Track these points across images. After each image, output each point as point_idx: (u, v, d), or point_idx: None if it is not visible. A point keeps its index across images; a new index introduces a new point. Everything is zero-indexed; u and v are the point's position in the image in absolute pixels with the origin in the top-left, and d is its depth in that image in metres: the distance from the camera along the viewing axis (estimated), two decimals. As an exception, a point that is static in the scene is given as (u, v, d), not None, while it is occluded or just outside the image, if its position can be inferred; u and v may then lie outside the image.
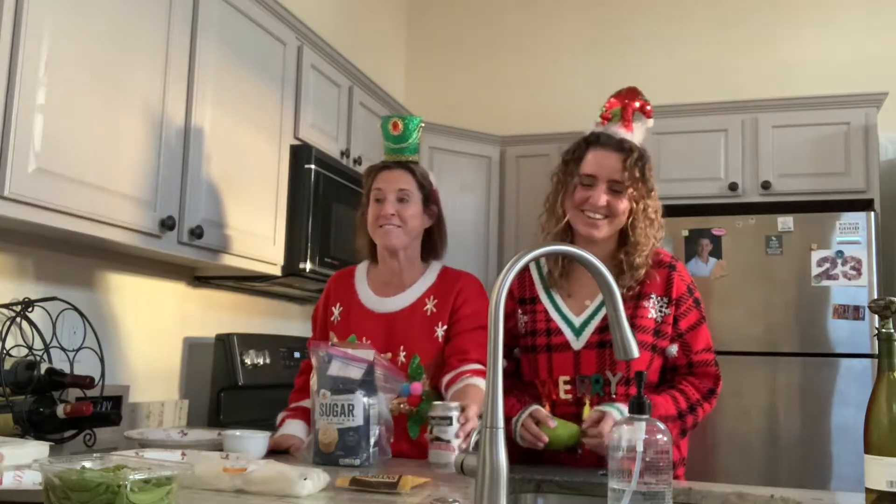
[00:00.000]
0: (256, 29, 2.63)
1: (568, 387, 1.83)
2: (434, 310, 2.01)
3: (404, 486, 1.40)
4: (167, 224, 2.17)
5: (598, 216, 1.81)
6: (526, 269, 1.93)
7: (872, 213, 3.27)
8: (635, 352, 1.29)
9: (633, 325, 1.75)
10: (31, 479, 1.27)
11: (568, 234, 1.88)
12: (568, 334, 1.84)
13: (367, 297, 2.06)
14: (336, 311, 2.07)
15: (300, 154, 2.81)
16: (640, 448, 1.12)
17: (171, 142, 2.22)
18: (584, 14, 4.47)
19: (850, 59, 3.93)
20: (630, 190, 1.80)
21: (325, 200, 2.86)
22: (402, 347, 1.98)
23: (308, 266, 2.76)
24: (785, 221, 3.35)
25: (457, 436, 1.69)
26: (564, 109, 4.33)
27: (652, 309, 1.82)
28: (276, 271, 2.73)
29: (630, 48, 4.34)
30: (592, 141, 1.85)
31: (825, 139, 3.45)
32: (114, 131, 2.01)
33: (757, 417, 3.27)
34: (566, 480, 1.65)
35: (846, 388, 3.18)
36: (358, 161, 3.28)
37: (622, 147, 1.81)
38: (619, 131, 1.83)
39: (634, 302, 1.82)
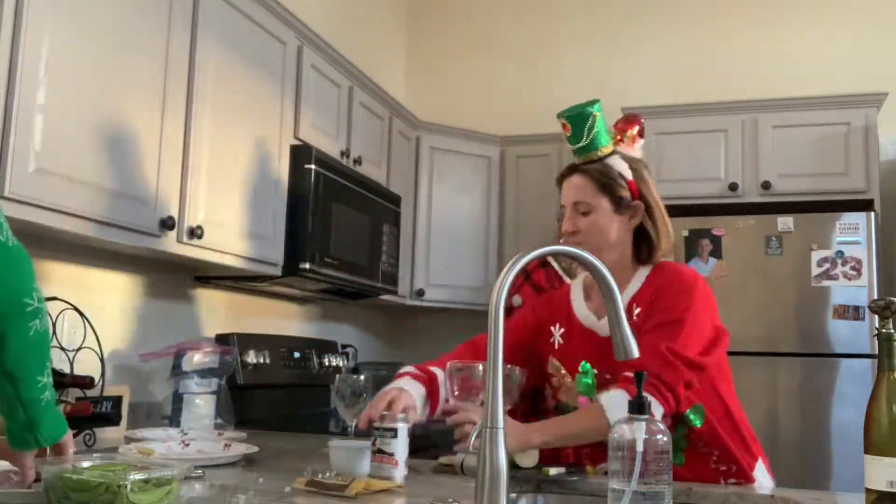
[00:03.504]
0: (256, 29, 2.63)
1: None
2: (637, 320, 1.72)
3: (352, 489, 1.41)
4: (167, 224, 2.17)
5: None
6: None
7: (872, 213, 3.27)
8: (635, 352, 1.29)
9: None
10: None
11: None
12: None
13: (583, 313, 1.83)
14: (557, 333, 1.84)
15: (300, 154, 2.81)
16: (640, 448, 1.12)
17: (171, 142, 2.22)
18: (584, 14, 4.47)
19: (850, 59, 3.94)
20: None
21: (325, 200, 2.86)
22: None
23: (308, 266, 2.76)
24: (785, 221, 3.35)
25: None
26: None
27: None
28: (276, 271, 2.73)
29: (630, 48, 4.34)
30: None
31: (825, 139, 3.45)
32: (114, 131, 2.01)
33: (757, 417, 3.26)
34: (566, 480, 1.65)
35: (846, 388, 3.18)
36: (358, 161, 3.28)
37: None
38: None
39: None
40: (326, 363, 3.41)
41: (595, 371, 1.74)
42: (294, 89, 2.86)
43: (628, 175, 1.77)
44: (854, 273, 3.23)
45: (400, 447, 1.59)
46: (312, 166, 2.80)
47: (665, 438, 1.15)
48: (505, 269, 1.22)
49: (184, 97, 2.28)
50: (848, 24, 3.99)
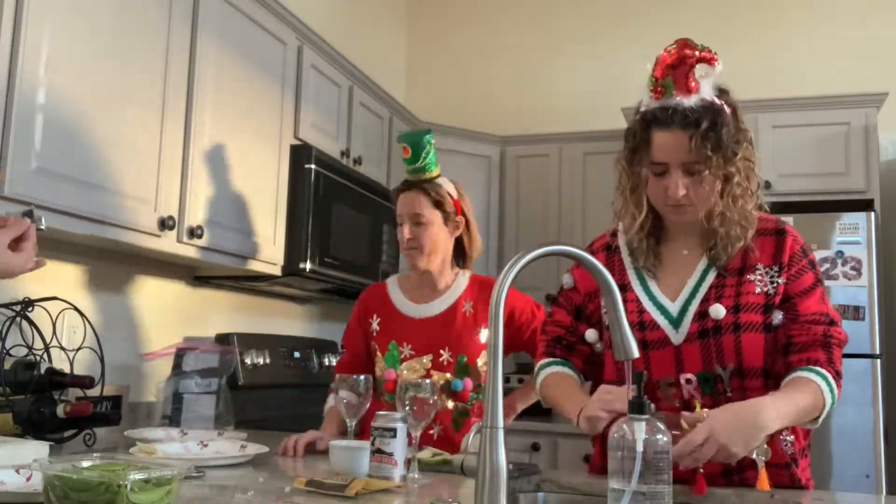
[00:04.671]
0: (256, 29, 2.63)
1: (673, 390, 1.56)
2: (472, 311, 2.14)
3: (351, 489, 1.41)
4: (167, 224, 2.17)
5: (682, 203, 1.56)
6: (616, 251, 1.71)
7: (872, 213, 3.26)
8: (635, 352, 1.28)
9: (738, 305, 1.54)
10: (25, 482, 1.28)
11: (649, 221, 1.64)
12: (665, 327, 1.57)
13: (404, 304, 2.18)
14: (374, 322, 2.18)
15: (300, 154, 2.81)
16: (640, 448, 1.12)
17: (171, 141, 2.22)
18: (584, 14, 4.47)
19: (850, 59, 3.93)
20: (707, 169, 1.52)
21: (325, 200, 2.86)
22: (446, 348, 2.10)
23: (308, 266, 2.76)
24: (785, 221, 3.34)
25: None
26: (564, 109, 4.33)
27: (759, 283, 1.57)
28: (276, 271, 2.73)
29: (630, 48, 4.33)
30: (652, 120, 1.56)
31: (825, 139, 3.45)
32: (114, 131, 2.01)
33: (757, 417, 3.26)
34: (566, 480, 1.65)
35: (846, 388, 3.09)
36: (358, 161, 3.28)
37: (686, 122, 1.51)
38: (681, 101, 1.53)
39: (737, 278, 1.57)
40: (326, 363, 3.41)
41: (400, 347, 2.11)
42: (294, 89, 2.86)
43: (455, 193, 2.19)
44: (854, 273, 3.23)
45: (399, 447, 1.59)
46: (312, 166, 2.80)
47: (665, 438, 1.15)
48: (505, 269, 1.22)
49: (184, 97, 2.27)
50: (848, 24, 3.99)
